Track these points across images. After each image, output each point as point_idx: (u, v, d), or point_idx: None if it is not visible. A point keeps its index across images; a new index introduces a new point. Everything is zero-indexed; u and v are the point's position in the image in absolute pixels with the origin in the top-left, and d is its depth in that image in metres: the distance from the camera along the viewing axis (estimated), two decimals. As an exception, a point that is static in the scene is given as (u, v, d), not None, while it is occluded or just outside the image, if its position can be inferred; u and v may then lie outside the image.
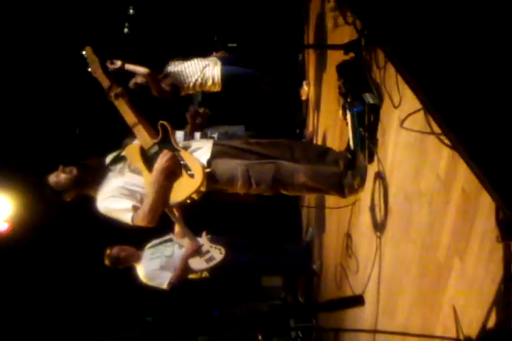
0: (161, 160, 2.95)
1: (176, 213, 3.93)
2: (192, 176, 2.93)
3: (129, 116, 3.02)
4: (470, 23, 1.29)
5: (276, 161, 3.05)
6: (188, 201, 2.97)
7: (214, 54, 4.88)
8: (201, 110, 4.86)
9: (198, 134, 4.79)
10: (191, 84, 4.74)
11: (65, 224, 5.77)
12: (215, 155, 3.07)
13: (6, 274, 5.78)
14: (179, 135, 4.54)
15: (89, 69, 3.08)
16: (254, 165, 3.03)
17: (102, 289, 6.05)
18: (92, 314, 6.16)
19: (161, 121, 3.08)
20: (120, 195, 3.00)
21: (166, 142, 3.06)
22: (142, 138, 3.05)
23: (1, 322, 5.73)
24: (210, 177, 2.96)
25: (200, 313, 5.65)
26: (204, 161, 3.01)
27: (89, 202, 3.05)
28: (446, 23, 1.36)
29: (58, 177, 3.08)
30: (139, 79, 4.63)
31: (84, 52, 3.06)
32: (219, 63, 4.80)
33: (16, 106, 5.49)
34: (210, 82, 4.75)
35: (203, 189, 2.96)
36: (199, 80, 4.74)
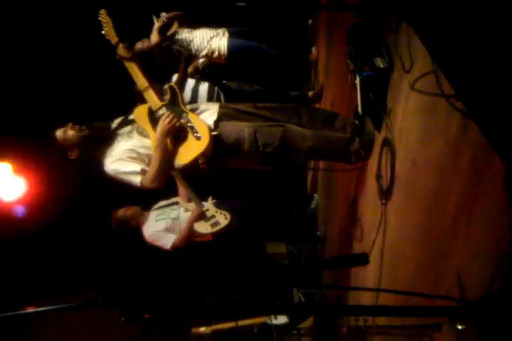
0: (163, 123, 2.94)
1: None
2: (198, 138, 2.93)
3: (140, 79, 3.06)
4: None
5: (284, 124, 3.03)
6: (195, 164, 2.97)
7: None
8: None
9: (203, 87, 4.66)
10: (197, 54, 4.68)
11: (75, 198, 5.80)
12: (221, 117, 3.05)
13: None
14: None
15: (103, 32, 3.11)
16: (261, 128, 3.01)
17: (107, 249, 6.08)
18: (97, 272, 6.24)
19: (169, 83, 3.15)
20: (128, 158, 3.01)
21: (174, 104, 3.08)
22: (151, 100, 3.06)
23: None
24: (216, 140, 2.95)
25: (204, 277, 5.70)
26: (211, 123, 3.00)
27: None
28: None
29: (66, 133, 3.09)
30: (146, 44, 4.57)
31: (99, 16, 3.10)
32: (226, 34, 4.74)
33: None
34: (216, 54, 4.69)
35: (208, 152, 2.95)
36: (205, 50, 4.68)
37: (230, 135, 2.98)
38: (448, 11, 1.26)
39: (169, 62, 4.63)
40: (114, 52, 3.06)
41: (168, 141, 2.95)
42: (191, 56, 4.62)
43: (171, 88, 3.10)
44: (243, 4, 3.05)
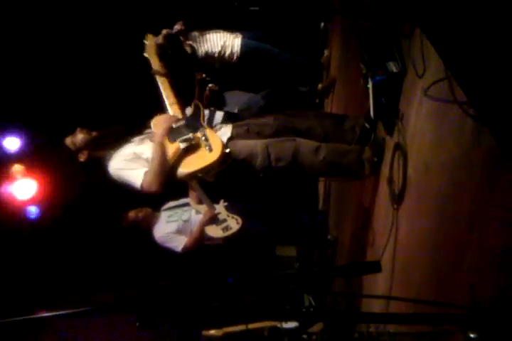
0: (164, 121, 3.10)
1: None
2: (210, 151, 2.96)
3: (168, 93, 3.27)
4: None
5: (296, 139, 3.04)
6: (199, 175, 3.00)
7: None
8: (210, 85, 4.83)
9: (219, 113, 4.77)
10: (209, 50, 4.72)
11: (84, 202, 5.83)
12: (234, 136, 3.10)
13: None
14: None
15: (145, 53, 3.46)
16: (273, 143, 3.03)
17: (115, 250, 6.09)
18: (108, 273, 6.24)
19: (195, 101, 3.36)
20: (133, 159, 3.03)
21: (194, 118, 3.17)
22: (174, 111, 3.21)
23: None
24: (228, 156, 2.98)
25: (214, 280, 5.68)
26: (224, 140, 3.04)
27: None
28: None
29: (75, 137, 3.15)
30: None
31: (145, 39, 3.50)
32: (240, 36, 4.78)
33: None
34: (228, 51, 4.72)
35: (216, 167, 2.97)
36: (217, 48, 4.72)
37: (243, 150, 3.02)
38: (461, 18, 1.25)
39: (179, 54, 4.68)
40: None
41: (181, 149, 2.98)
42: (204, 80, 4.70)
43: (196, 104, 3.23)
44: (257, 8, 3.09)
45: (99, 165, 3.14)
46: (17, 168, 5.02)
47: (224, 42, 4.72)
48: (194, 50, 4.66)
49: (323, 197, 5.76)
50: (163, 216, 4.37)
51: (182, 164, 2.97)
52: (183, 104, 3.33)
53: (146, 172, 2.97)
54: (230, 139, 3.08)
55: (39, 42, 5.39)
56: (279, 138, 3.08)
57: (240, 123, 3.31)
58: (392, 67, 2.62)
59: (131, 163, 3.02)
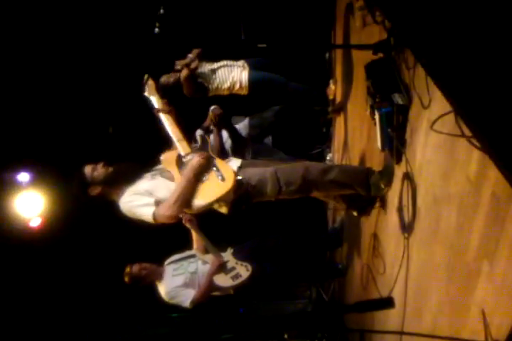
0: (198, 157, 3.05)
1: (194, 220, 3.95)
2: (223, 180, 3.00)
3: (175, 130, 3.27)
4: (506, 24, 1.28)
5: (304, 162, 3.10)
6: (213, 207, 3.02)
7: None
8: (212, 108, 4.87)
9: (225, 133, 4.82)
10: (219, 86, 4.79)
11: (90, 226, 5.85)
12: (244, 164, 3.21)
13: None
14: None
15: (145, 93, 3.42)
16: (282, 167, 3.09)
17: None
18: (116, 309, 6.20)
19: (201, 133, 3.31)
20: (145, 192, 3.06)
21: (202, 151, 3.24)
22: (182, 147, 3.22)
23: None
24: (239, 183, 3.03)
25: (225, 310, 5.64)
26: (235, 169, 3.10)
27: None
28: (478, 22, 1.34)
29: (95, 170, 3.17)
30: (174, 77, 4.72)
31: (144, 80, 3.43)
32: (247, 67, 4.86)
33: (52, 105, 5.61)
34: (237, 86, 4.80)
35: (231, 195, 3.00)
36: (227, 83, 4.80)
37: (253, 177, 3.06)
38: (462, 54, 1.30)
39: (195, 95, 4.76)
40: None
41: (196, 175, 3.02)
42: (222, 114, 4.77)
43: (203, 137, 3.27)
44: (264, 46, 3.15)
45: (106, 201, 3.19)
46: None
47: (232, 78, 4.79)
48: (204, 88, 4.74)
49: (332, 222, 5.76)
50: (169, 270, 4.12)
51: (197, 195, 3.00)
52: (189, 138, 3.38)
53: (157, 201, 2.99)
54: (239, 168, 3.14)
55: (56, 79, 5.50)
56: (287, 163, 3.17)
57: (247, 161, 3.44)
58: (398, 98, 2.67)
59: (141, 195, 3.04)
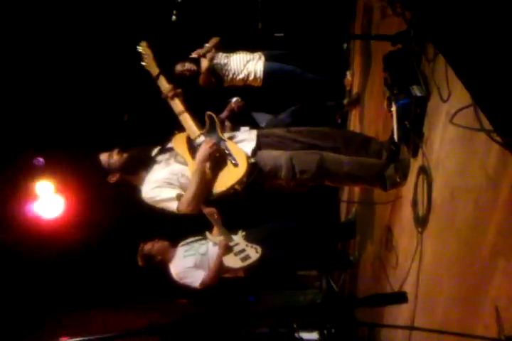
0: (204, 148, 3.00)
1: (215, 214, 3.94)
2: (236, 165, 2.97)
3: (178, 108, 3.20)
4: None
5: (321, 152, 3.06)
6: (231, 191, 3.00)
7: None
8: (235, 99, 4.86)
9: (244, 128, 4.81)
10: (234, 77, 4.78)
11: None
12: (259, 146, 3.10)
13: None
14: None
15: (143, 63, 3.29)
16: (298, 155, 3.05)
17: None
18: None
19: (208, 112, 3.24)
20: (165, 184, 3.07)
21: (212, 132, 3.17)
22: (190, 129, 3.16)
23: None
24: (254, 167, 2.99)
25: (235, 298, 5.64)
26: (249, 151, 3.05)
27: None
28: (503, 12, 1.31)
29: (110, 157, 3.19)
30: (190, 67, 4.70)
31: (139, 47, 3.29)
32: (263, 58, 4.84)
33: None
34: (252, 77, 4.79)
35: (246, 179, 2.98)
36: (242, 74, 4.78)
37: (268, 162, 3.02)
38: (483, 46, 1.28)
39: (211, 85, 4.75)
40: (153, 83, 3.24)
41: (208, 166, 2.99)
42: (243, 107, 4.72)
43: (210, 116, 3.19)
44: (281, 35, 3.11)
45: (128, 187, 3.20)
46: (43, 185, 5.09)
47: (247, 69, 4.77)
48: (219, 78, 4.73)
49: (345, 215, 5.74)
50: (180, 251, 4.21)
51: (214, 183, 2.99)
52: (194, 114, 3.29)
53: (178, 195, 3.01)
54: (254, 150, 3.09)
55: (71, 69, 5.52)
56: (303, 150, 3.12)
57: (264, 132, 3.31)
58: (416, 90, 2.64)
59: (163, 188, 3.06)
